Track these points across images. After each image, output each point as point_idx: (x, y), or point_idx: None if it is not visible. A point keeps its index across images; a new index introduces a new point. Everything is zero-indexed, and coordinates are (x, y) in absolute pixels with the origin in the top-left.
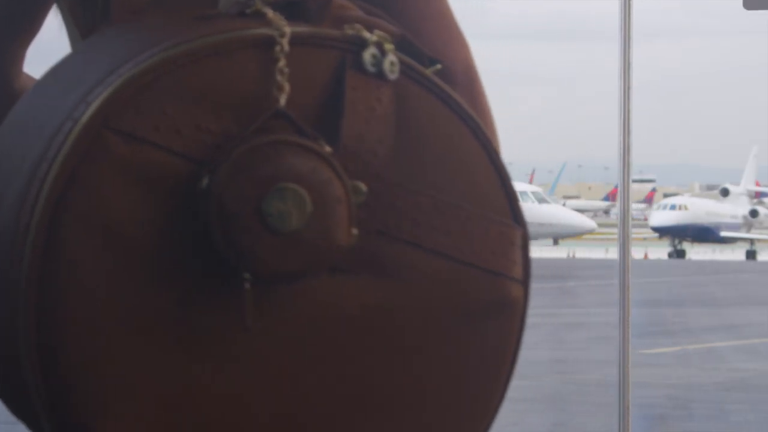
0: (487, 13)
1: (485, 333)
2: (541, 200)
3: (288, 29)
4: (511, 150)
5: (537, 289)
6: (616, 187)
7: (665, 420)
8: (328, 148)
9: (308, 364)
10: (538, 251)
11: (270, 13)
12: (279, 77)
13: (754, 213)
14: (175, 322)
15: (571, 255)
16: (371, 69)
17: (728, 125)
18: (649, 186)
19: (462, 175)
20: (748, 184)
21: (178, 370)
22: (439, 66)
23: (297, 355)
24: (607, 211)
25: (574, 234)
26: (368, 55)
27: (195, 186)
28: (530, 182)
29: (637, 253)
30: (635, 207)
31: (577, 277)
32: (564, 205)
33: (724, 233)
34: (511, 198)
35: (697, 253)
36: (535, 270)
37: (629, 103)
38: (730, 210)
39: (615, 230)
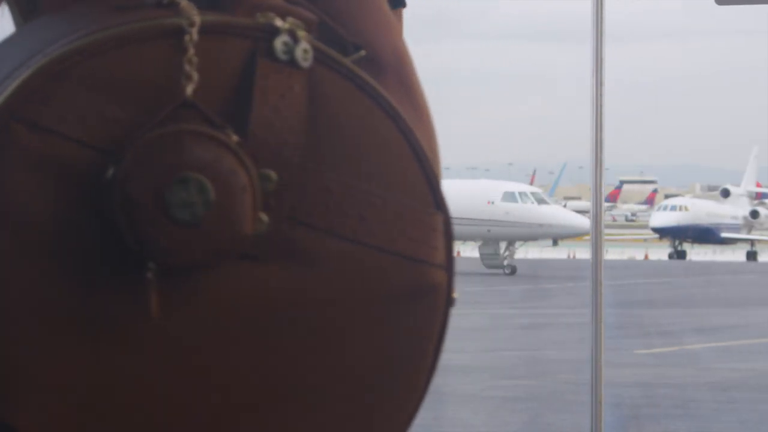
0: (487, 13)
1: (406, 319)
2: (541, 201)
3: (198, 19)
4: (512, 151)
5: (540, 289)
6: (617, 188)
7: (657, 419)
8: (234, 137)
9: (219, 353)
10: (538, 252)
11: (183, 2)
12: (187, 67)
13: (754, 214)
14: (82, 312)
15: (571, 256)
16: (283, 57)
17: (730, 126)
18: (650, 187)
19: (378, 162)
20: (748, 185)
21: (85, 359)
22: (363, 52)
23: (208, 344)
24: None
25: (574, 235)
26: (279, 43)
27: (101, 176)
28: (531, 183)
29: (637, 254)
30: (636, 208)
31: (580, 277)
32: (565, 206)
33: (724, 234)
34: (432, 184)
35: (697, 254)
36: (539, 271)
37: (601, 106)
38: (731, 211)
39: (615, 231)
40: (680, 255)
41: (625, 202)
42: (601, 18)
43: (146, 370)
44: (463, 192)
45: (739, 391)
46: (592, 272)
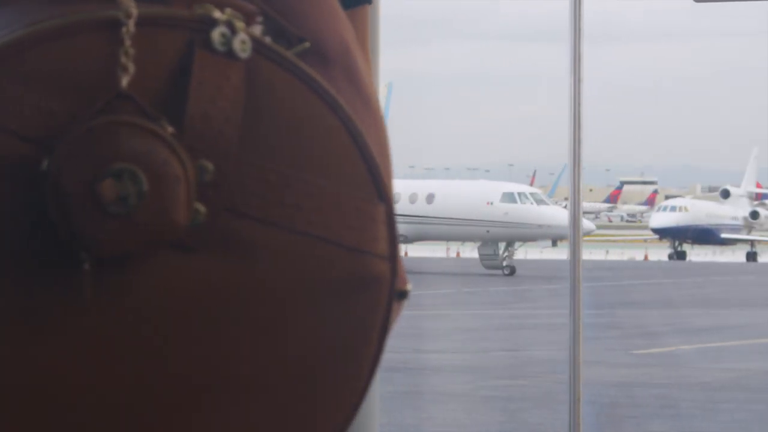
0: (487, 13)
1: (346, 311)
2: (540, 201)
3: (135, 10)
4: (512, 152)
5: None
6: (617, 188)
7: (652, 418)
8: (169, 129)
9: (155, 345)
10: (538, 253)
11: None
12: (123, 58)
13: (754, 215)
14: (15, 305)
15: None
16: (220, 48)
17: (730, 128)
18: (650, 188)
19: (318, 152)
20: (748, 185)
21: (17, 351)
22: (307, 44)
23: (143, 336)
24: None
25: None
26: (217, 34)
27: (36, 168)
28: (531, 184)
29: (637, 254)
30: (637, 209)
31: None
32: (565, 206)
33: (724, 235)
34: (374, 175)
35: (697, 255)
36: (539, 272)
37: (579, 105)
38: (731, 212)
39: (615, 232)
40: (680, 256)
41: (625, 202)
42: (579, 16)
43: (80, 362)
44: (462, 192)
45: (731, 392)
46: (571, 272)
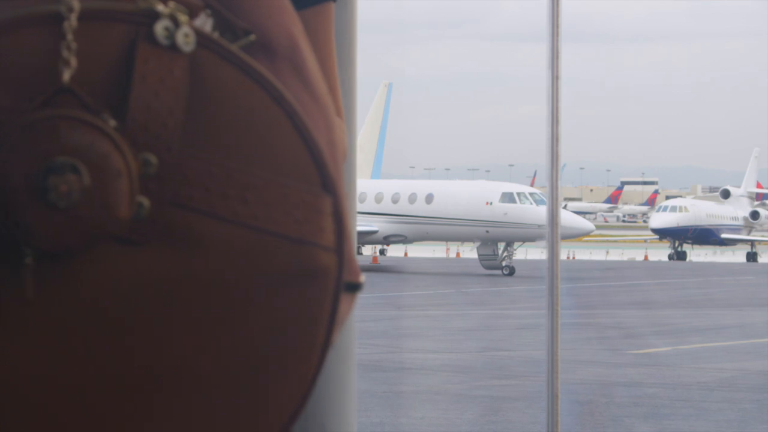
0: (487, 13)
1: (293, 302)
2: (540, 202)
3: (77, 4)
4: (513, 152)
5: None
6: (618, 189)
7: (650, 418)
8: (112, 122)
9: (100, 337)
10: (539, 253)
11: None
12: (65, 53)
13: (754, 215)
14: None
15: (571, 257)
16: (164, 42)
17: (731, 129)
18: (651, 188)
19: (262, 144)
20: (749, 186)
21: None
22: (252, 37)
23: (88, 328)
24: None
25: (573, 236)
26: (160, 27)
27: None
28: (532, 184)
29: (638, 255)
30: (638, 209)
31: (578, 279)
32: (565, 207)
33: (724, 235)
34: (320, 167)
35: (697, 255)
36: (538, 272)
37: (558, 101)
38: (731, 212)
39: (616, 233)
40: (680, 256)
41: (626, 203)
42: (557, 15)
43: (26, 354)
44: (461, 193)
45: (723, 392)
46: (549, 271)
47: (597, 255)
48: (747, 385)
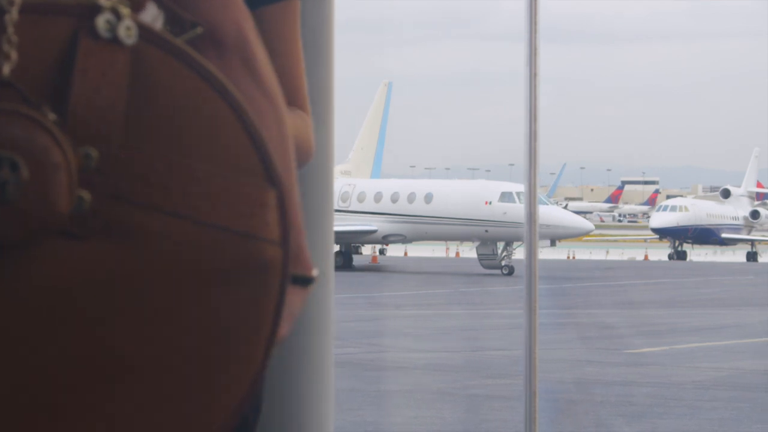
0: (488, 13)
1: (237, 295)
2: (539, 201)
3: None
4: (513, 151)
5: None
6: (618, 188)
7: (642, 417)
8: (51, 116)
9: (42, 331)
10: (539, 253)
11: None
12: (6, 46)
13: (755, 214)
14: None
15: (571, 257)
16: (106, 35)
17: (732, 128)
18: (652, 188)
19: (204, 137)
20: (749, 185)
21: None
22: (199, 29)
23: (29, 322)
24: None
25: (572, 235)
26: (102, 21)
27: None
28: None
29: (638, 255)
30: (639, 208)
31: (577, 278)
32: (566, 206)
33: (725, 235)
34: (265, 160)
35: (697, 255)
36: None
37: (536, 106)
38: (731, 211)
39: (616, 232)
40: (680, 256)
41: (626, 202)
42: (535, 13)
43: None
44: (460, 192)
45: (717, 391)
46: (527, 269)
47: (597, 255)
48: (742, 385)
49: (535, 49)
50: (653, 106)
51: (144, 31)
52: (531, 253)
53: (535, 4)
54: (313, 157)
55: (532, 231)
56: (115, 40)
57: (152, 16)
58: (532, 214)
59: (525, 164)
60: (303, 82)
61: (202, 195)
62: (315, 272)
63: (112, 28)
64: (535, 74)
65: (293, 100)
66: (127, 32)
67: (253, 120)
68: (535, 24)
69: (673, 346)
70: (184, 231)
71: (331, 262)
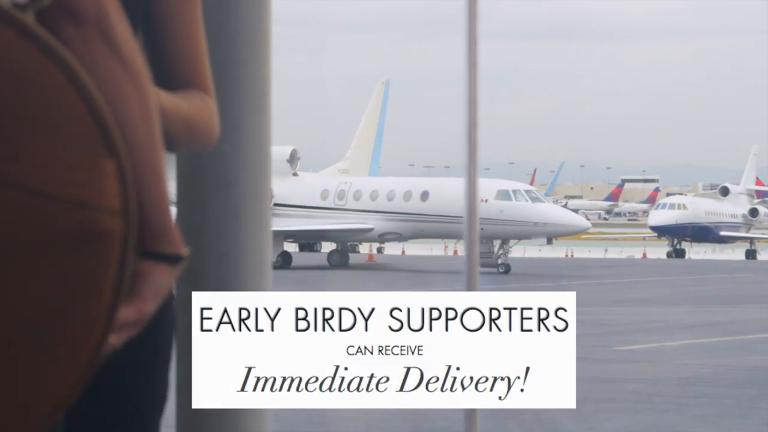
0: (487, 12)
1: (69, 265)
2: (535, 199)
3: None
4: (513, 149)
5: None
6: (619, 186)
7: (625, 413)
8: None
9: None
10: (537, 251)
11: None
12: None
13: (753, 212)
14: None
15: (569, 255)
16: None
17: (733, 126)
18: (652, 186)
19: (39, 106)
20: (748, 183)
21: None
22: (47, 1)
23: None
24: (609, 212)
25: (569, 233)
26: None
27: None
28: (531, 182)
29: (637, 253)
30: (639, 207)
31: (574, 276)
32: (566, 204)
33: (723, 233)
34: (104, 130)
35: (696, 253)
36: (534, 270)
37: (475, 102)
38: (730, 209)
39: (615, 230)
40: (679, 254)
41: (626, 200)
42: (475, 11)
43: None
44: (456, 190)
45: (703, 387)
46: (467, 270)
47: (596, 253)
48: (728, 381)
49: (475, 54)
50: (653, 104)
51: None
52: (471, 253)
53: (474, 4)
54: (245, 145)
55: (472, 228)
56: None
57: None
58: (471, 211)
59: (465, 159)
60: (204, 63)
61: (33, 163)
62: (185, 251)
63: None
64: (475, 63)
65: (191, 80)
66: None
67: (92, 90)
68: (475, 26)
69: (663, 343)
70: (13, 199)
71: (268, 248)
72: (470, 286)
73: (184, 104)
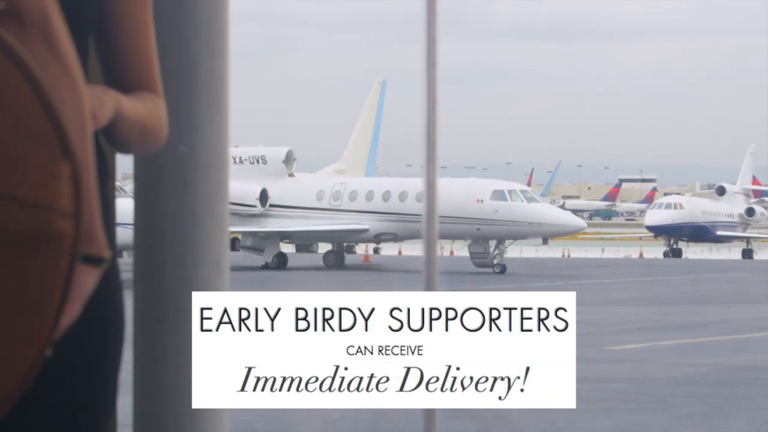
0: (486, 12)
1: (20, 266)
2: (531, 199)
3: None
4: (511, 149)
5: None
6: (616, 186)
7: (613, 412)
8: None
9: None
10: (533, 251)
11: None
12: None
13: (750, 212)
14: None
15: (566, 255)
16: None
17: (730, 126)
18: (649, 185)
19: None
20: (744, 182)
21: None
22: (1, 5)
23: None
24: (605, 212)
25: (564, 233)
26: None
27: None
28: (528, 182)
29: (633, 253)
30: (636, 206)
31: (570, 276)
32: (563, 204)
33: (720, 232)
34: (59, 133)
35: (693, 252)
36: (530, 270)
37: (435, 103)
38: (727, 209)
39: (612, 230)
40: (675, 253)
41: (624, 200)
42: (434, 10)
43: None
44: (452, 190)
45: (692, 386)
46: (425, 270)
47: (593, 253)
48: (717, 380)
49: (434, 53)
50: (651, 104)
51: None
52: (429, 254)
53: (434, 3)
54: (202, 145)
55: (431, 229)
56: None
57: None
58: (430, 212)
59: (423, 160)
60: (154, 64)
61: None
62: (108, 253)
63: None
64: (435, 63)
65: (142, 82)
66: None
67: (50, 93)
68: (434, 23)
69: (655, 342)
70: None
71: (225, 248)
72: (429, 287)
73: (141, 108)
